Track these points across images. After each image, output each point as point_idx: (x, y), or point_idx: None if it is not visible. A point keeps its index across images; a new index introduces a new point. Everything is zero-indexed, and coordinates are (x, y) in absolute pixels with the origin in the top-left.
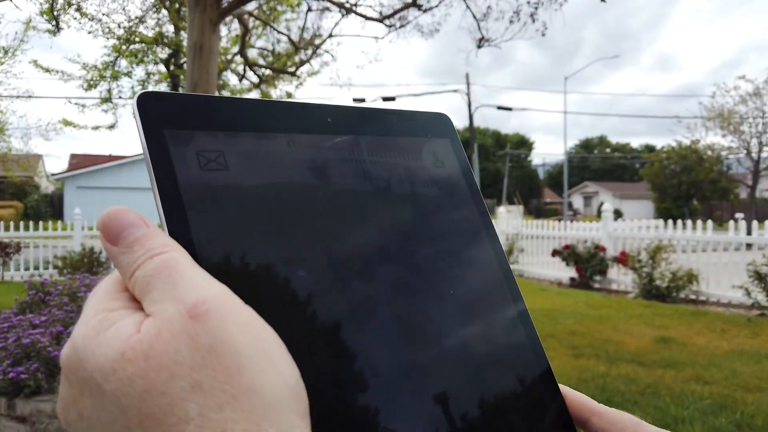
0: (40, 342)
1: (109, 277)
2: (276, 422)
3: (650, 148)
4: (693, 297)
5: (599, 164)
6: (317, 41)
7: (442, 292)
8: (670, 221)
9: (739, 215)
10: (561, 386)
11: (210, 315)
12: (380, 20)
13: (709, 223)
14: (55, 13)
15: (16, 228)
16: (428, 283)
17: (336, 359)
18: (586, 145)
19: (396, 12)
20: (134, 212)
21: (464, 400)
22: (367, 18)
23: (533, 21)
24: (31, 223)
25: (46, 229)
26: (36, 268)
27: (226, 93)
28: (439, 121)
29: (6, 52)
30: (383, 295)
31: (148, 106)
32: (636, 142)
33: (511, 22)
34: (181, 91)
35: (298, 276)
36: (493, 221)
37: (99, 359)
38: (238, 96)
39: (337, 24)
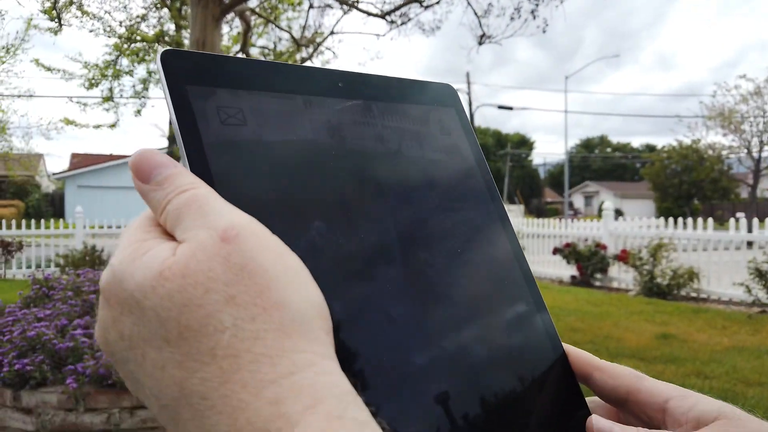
0: (45, 334)
1: (141, 215)
2: (303, 333)
3: (651, 148)
4: (694, 294)
5: (600, 164)
6: (318, 39)
7: (450, 250)
8: (671, 219)
9: (740, 214)
10: (564, 344)
11: (240, 238)
12: (382, 16)
13: (710, 221)
14: (57, 11)
15: (18, 226)
16: (436, 240)
17: (347, 312)
18: (587, 145)
19: (397, 8)
20: (163, 154)
21: (471, 353)
22: (368, 14)
23: (534, 18)
24: (33, 222)
25: (48, 227)
26: (38, 266)
27: None
28: (445, 91)
29: (8, 51)
30: (395, 248)
31: (171, 63)
32: (637, 142)
33: (512, 18)
34: None
35: (313, 226)
36: None
37: (138, 279)
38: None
39: (338, 21)
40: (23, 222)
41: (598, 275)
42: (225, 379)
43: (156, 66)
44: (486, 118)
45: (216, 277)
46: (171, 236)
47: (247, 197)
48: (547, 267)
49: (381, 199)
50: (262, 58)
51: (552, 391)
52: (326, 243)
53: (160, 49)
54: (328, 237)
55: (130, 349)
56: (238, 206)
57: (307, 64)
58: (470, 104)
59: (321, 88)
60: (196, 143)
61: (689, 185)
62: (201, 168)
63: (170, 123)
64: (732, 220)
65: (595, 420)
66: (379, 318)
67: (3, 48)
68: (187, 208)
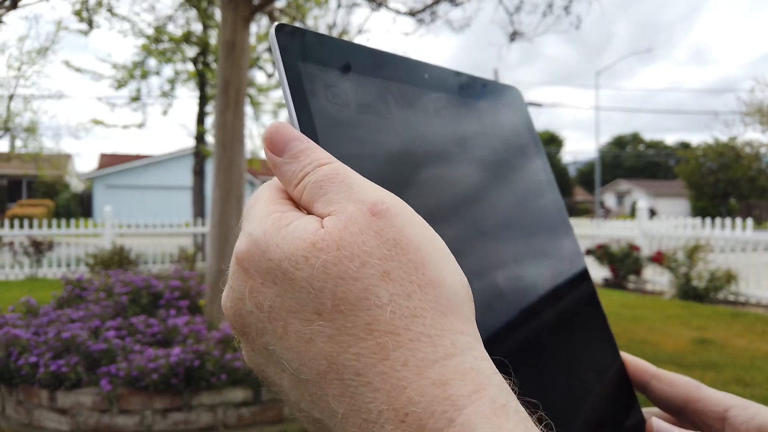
0: (79, 336)
1: (266, 187)
2: (459, 314)
3: (685, 145)
4: (732, 298)
5: (632, 162)
6: (345, 38)
7: (529, 252)
8: (707, 220)
9: None
10: (621, 352)
11: (390, 213)
12: (411, 14)
13: (749, 221)
14: (88, 12)
15: (49, 226)
16: (517, 236)
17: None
18: (619, 142)
19: (427, 7)
20: (295, 128)
21: (542, 363)
22: (398, 12)
23: (567, 14)
24: (63, 221)
25: (77, 226)
26: (68, 265)
27: (252, 91)
28: (513, 94)
29: (39, 53)
30: (490, 237)
31: (284, 38)
32: (671, 139)
33: (544, 15)
34: (210, 90)
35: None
36: None
37: (287, 249)
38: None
39: (367, 19)
40: (54, 221)
41: (632, 277)
42: (384, 356)
43: (270, 40)
44: None
45: (371, 251)
46: (303, 210)
47: None
48: None
49: (470, 186)
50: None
51: (609, 399)
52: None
53: (274, 24)
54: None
55: (270, 320)
56: None
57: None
58: None
59: (412, 78)
60: (308, 119)
61: (726, 184)
62: (310, 135)
63: (285, 98)
64: None
65: (656, 423)
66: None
67: (34, 49)
68: (330, 181)
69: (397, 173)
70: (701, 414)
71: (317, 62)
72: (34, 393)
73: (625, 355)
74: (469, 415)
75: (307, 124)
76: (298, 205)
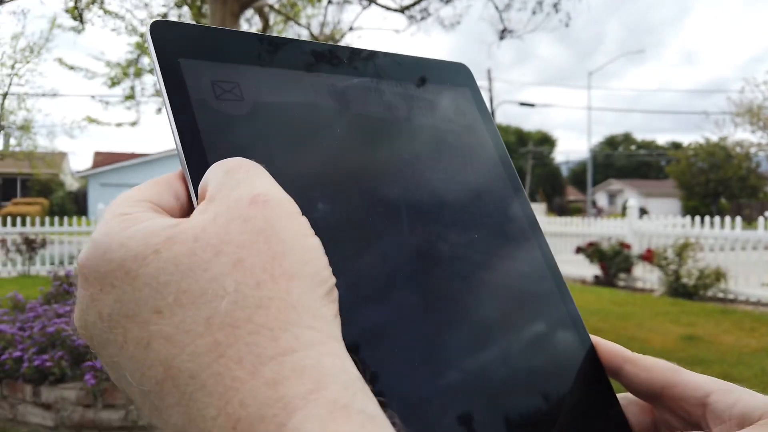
0: (64, 330)
1: (122, 194)
2: (311, 309)
3: (677, 145)
4: (721, 295)
5: (624, 162)
6: (338, 35)
7: (469, 236)
8: (697, 218)
9: None
10: (592, 336)
11: (268, 205)
12: (401, 11)
13: (738, 219)
14: (79, 10)
15: (42, 223)
16: (453, 225)
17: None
18: (611, 142)
19: (417, 2)
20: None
21: (496, 344)
22: (387, 9)
23: (556, 11)
24: (56, 219)
25: (71, 224)
26: (61, 262)
27: None
28: (459, 70)
29: (32, 51)
30: (403, 227)
31: (161, 34)
32: (662, 139)
33: (533, 12)
34: None
35: (316, 208)
36: None
37: (134, 246)
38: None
39: (357, 16)
40: (47, 219)
41: (622, 275)
42: (219, 353)
43: (145, 39)
44: (507, 116)
45: (230, 240)
46: (165, 213)
47: None
48: (570, 266)
49: (391, 183)
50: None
51: (579, 387)
52: (330, 230)
53: (150, 21)
54: (332, 223)
55: (110, 330)
56: None
57: None
58: (491, 101)
59: (324, 64)
60: (189, 122)
61: (716, 183)
62: (192, 144)
63: (162, 100)
64: (761, 219)
65: None
66: (394, 304)
67: (27, 47)
68: (233, 172)
69: (299, 172)
70: (680, 400)
71: (201, 57)
72: (18, 388)
73: (596, 339)
74: (301, 419)
75: (187, 125)
76: (171, 210)
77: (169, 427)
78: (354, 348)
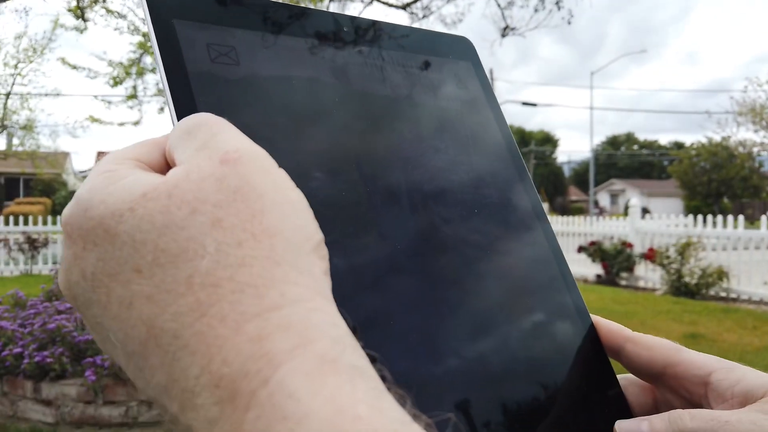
0: (65, 327)
1: (111, 153)
2: (297, 265)
3: (679, 145)
4: (723, 294)
5: (626, 161)
6: None
7: (468, 210)
8: (699, 217)
9: None
10: (592, 316)
11: (241, 161)
12: (403, 8)
13: (740, 218)
14: (81, 9)
15: (44, 223)
16: (454, 200)
17: (348, 259)
18: (613, 142)
19: None
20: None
21: (495, 324)
22: (389, 5)
23: (558, 8)
24: (58, 219)
25: None
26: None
27: None
28: (462, 44)
29: (35, 50)
30: (403, 204)
31: None
32: (664, 139)
33: (536, 10)
34: None
35: (310, 182)
36: None
37: (112, 204)
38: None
39: (360, 13)
40: (49, 219)
41: (624, 274)
42: (201, 312)
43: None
44: (509, 115)
45: (205, 198)
46: (151, 169)
47: None
48: (572, 265)
49: (387, 152)
50: None
51: (579, 367)
52: (330, 198)
53: None
54: (325, 198)
55: (93, 289)
56: None
57: None
58: None
59: (325, 32)
60: (182, 81)
61: (718, 183)
62: (184, 106)
63: (155, 60)
64: (763, 218)
65: (619, 426)
66: (391, 280)
67: (30, 47)
68: (198, 128)
69: (288, 136)
70: (682, 379)
71: (197, 19)
72: (18, 384)
73: (596, 319)
74: (285, 373)
75: (181, 86)
76: (160, 168)
77: (153, 387)
78: (352, 328)
